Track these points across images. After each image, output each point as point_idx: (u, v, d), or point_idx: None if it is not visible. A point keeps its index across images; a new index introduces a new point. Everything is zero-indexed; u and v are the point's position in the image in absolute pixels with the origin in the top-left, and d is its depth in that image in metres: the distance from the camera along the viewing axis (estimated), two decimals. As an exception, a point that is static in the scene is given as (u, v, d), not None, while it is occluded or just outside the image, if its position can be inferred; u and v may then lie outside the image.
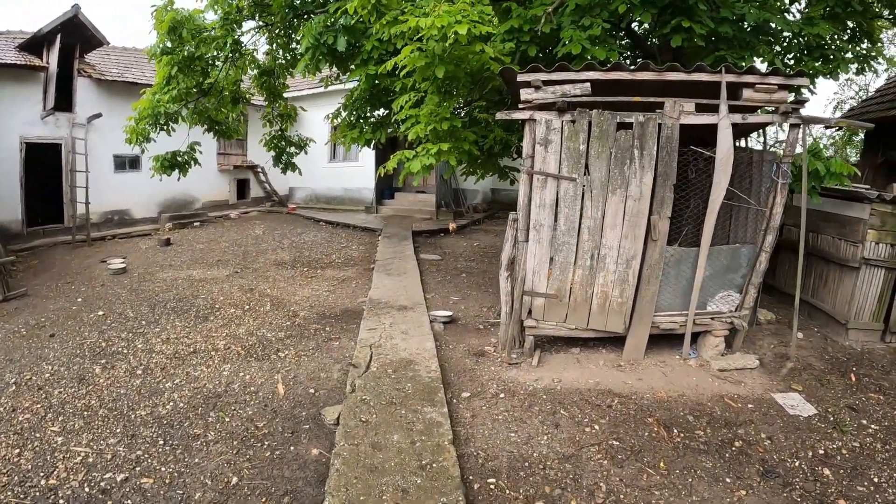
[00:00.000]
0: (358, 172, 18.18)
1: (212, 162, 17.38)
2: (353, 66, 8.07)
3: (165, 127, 8.93)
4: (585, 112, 6.02)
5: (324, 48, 7.48)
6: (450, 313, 7.96)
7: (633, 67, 5.84)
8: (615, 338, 6.73)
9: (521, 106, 6.18)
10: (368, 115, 9.45)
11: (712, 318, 6.79)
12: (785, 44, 8.12)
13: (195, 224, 16.00)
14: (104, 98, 14.37)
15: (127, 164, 15.26)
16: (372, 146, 9.33)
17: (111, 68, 14.92)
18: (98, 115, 13.95)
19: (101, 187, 14.24)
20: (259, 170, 19.16)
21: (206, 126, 10.02)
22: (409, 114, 6.93)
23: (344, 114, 9.66)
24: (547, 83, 5.98)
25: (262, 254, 12.16)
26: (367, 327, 7.36)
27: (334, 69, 9.05)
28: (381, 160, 10.21)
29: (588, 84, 5.93)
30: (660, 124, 5.99)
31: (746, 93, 5.85)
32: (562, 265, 6.42)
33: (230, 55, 9.08)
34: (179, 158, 9.48)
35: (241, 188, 19.43)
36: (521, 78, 5.99)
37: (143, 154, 9.29)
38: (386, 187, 18.87)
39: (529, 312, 6.66)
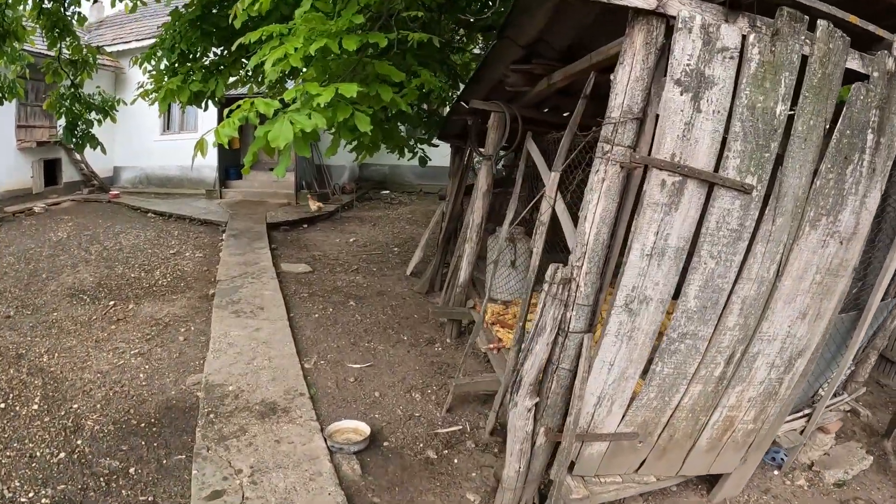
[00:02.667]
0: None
1: (8, 137, 11.83)
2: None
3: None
4: (800, 20, 2.18)
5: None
6: (363, 428, 3.91)
7: None
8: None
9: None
10: (199, 54, 6.36)
11: (829, 408, 3.91)
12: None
13: (-27, 226, 9.52)
14: None
15: None
16: (205, 104, 6.54)
17: None
18: None
19: None
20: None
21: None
22: (271, 31, 3.82)
23: (160, 53, 6.37)
24: None
25: (57, 274, 7.24)
26: (205, 483, 3.17)
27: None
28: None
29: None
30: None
31: None
32: (666, 380, 2.76)
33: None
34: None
35: (51, 171, 13.24)
36: None
37: None
38: (232, 164, 13.81)
39: (571, 466, 2.96)
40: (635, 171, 2.38)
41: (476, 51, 7.87)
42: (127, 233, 9.45)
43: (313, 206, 11.20)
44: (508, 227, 4.59)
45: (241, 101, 3.63)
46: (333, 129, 4.89)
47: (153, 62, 6.41)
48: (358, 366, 4.89)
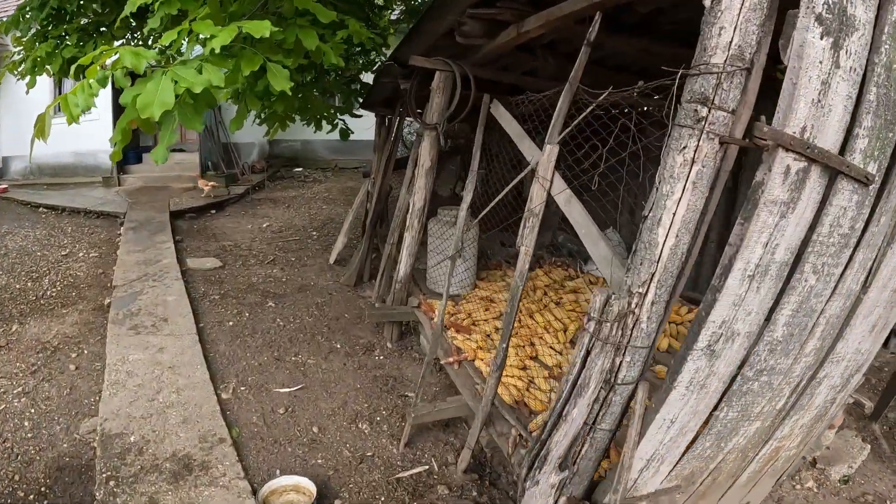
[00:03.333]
0: (91, 129, 9.58)
1: None
2: None
3: None
4: None
5: None
6: (306, 485, 2.98)
7: None
8: None
9: None
10: (75, 13, 4.81)
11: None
12: None
13: None
14: None
15: None
16: (83, 75, 3.93)
17: None
18: None
19: None
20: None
21: None
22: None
23: (29, 14, 4.84)
24: None
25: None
26: None
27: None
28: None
29: None
30: None
31: None
32: (727, 426, 2.11)
33: None
34: None
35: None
36: None
37: None
38: (132, 147, 11.47)
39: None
40: (729, 152, 1.62)
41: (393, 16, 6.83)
42: (14, 233, 7.54)
43: (205, 188, 9.61)
44: (467, 209, 3.74)
45: (95, 52, 2.43)
46: (237, 93, 3.72)
47: (20, 26, 4.92)
48: (287, 389, 3.88)
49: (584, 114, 2.49)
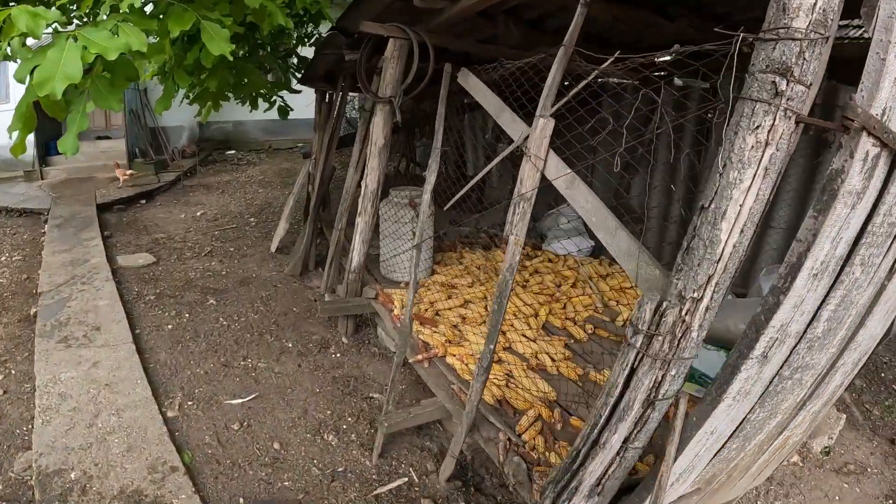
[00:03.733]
0: (6, 119, 7.58)
1: None
2: None
3: None
4: None
5: None
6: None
7: None
8: None
9: None
10: None
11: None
12: None
13: None
14: None
15: None
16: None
17: None
18: None
19: None
20: None
21: None
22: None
23: None
24: None
25: None
26: None
27: None
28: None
29: None
30: None
31: None
32: (755, 426, 1.97)
33: None
34: None
35: None
36: None
37: None
38: (54, 136, 9.61)
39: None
40: (794, 132, 1.40)
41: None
42: (-69, 242, 6.42)
43: (122, 177, 8.62)
44: (431, 193, 3.39)
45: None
46: (164, 70, 3.13)
47: None
48: (239, 400, 3.45)
49: (584, 81, 2.21)
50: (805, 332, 1.71)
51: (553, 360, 3.52)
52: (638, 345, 1.53)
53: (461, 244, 5.40)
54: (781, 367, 1.78)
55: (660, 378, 1.59)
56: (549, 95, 2.32)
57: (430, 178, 3.38)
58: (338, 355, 4.07)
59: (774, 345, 1.58)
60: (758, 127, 1.33)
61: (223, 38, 2.24)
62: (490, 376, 3.30)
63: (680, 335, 1.54)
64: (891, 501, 2.73)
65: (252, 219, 7.37)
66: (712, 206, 1.41)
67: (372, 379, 3.84)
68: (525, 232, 2.46)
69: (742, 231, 1.43)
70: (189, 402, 3.41)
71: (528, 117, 2.60)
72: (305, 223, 5.38)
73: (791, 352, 1.73)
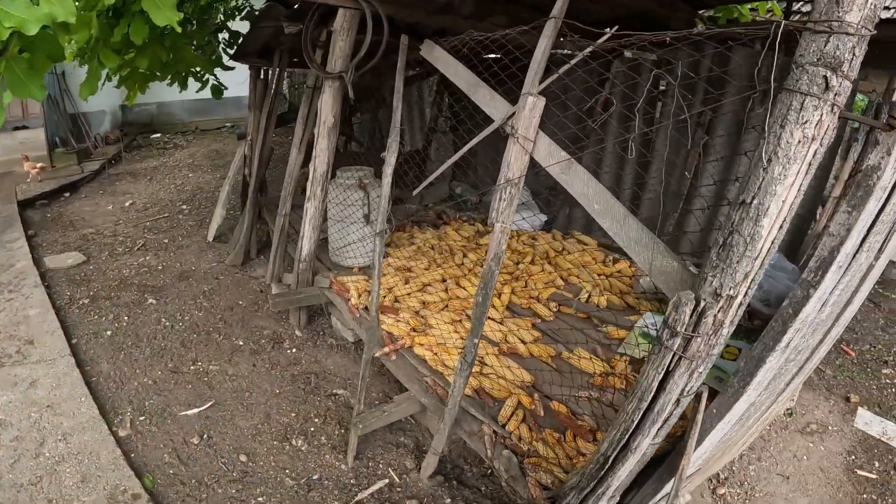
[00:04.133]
0: None
1: None
2: None
3: None
4: None
5: None
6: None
7: None
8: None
9: None
10: None
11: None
12: None
13: None
14: None
15: None
16: None
17: None
18: None
19: None
20: None
21: None
22: None
23: None
24: None
25: None
26: None
27: None
28: None
29: None
30: None
31: None
32: (755, 408, 2.01)
33: None
34: None
35: None
36: None
37: None
38: None
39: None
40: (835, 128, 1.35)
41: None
42: None
43: (31, 171, 7.61)
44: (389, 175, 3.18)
45: None
46: (83, 51, 2.66)
47: None
48: (195, 410, 3.16)
49: (580, 55, 2.09)
50: (815, 318, 1.72)
51: (524, 342, 3.47)
52: (675, 347, 1.46)
53: (410, 223, 5.21)
54: (790, 353, 1.79)
55: (689, 377, 1.54)
56: (538, 71, 2.17)
57: (391, 158, 3.15)
58: (293, 350, 3.82)
59: (797, 335, 1.56)
60: (806, 122, 1.26)
61: (169, 5, 1.89)
62: (463, 365, 3.21)
63: (713, 334, 1.48)
64: (853, 457, 2.94)
65: (185, 206, 6.76)
66: (755, 201, 1.34)
67: (333, 373, 3.64)
68: (511, 219, 2.33)
69: (781, 227, 1.37)
70: (141, 418, 3.07)
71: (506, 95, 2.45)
72: (244, 209, 4.97)
73: (801, 338, 1.74)
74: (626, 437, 1.60)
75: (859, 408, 3.39)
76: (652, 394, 1.52)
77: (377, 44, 3.21)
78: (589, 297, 3.94)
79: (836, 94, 1.24)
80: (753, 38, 3.29)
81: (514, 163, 2.24)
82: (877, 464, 2.89)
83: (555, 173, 2.10)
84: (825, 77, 1.23)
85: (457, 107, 5.79)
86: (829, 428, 3.15)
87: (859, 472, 2.83)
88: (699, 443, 1.71)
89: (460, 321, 3.66)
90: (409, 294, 3.93)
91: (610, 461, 1.64)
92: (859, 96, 3.26)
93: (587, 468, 1.72)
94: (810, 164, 1.31)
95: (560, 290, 4.09)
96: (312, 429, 3.12)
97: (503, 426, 2.74)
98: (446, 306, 3.85)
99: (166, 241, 5.63)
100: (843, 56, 1.21)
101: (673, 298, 1.47)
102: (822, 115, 1.26)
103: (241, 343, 3.83)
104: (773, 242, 1.39)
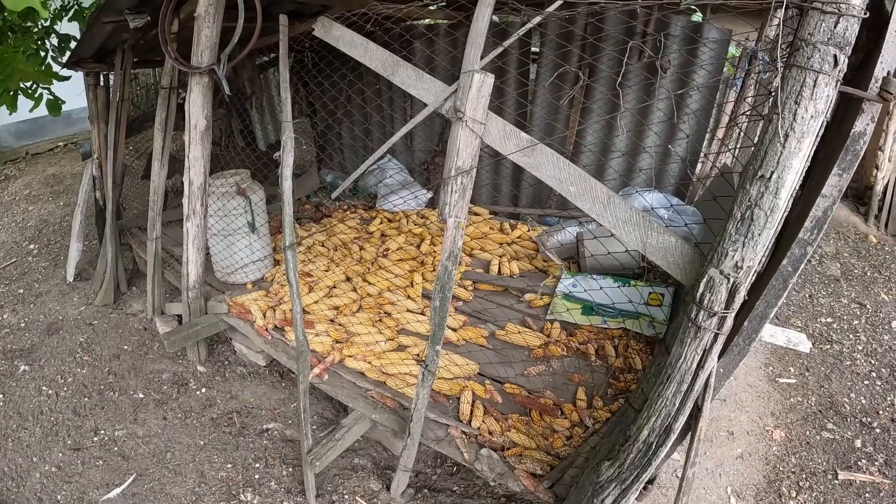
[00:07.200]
0: None
1: None
2: None
3: None
4: None
5: None
6: None
7: None
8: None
9: None
10: None
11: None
12: None
13: None
14: None
15: None
16: None
17: None
18: None
19: None
20: None
21: None
22: None
23: None
24: None
25: None
26: None
27: None
28: None
29: None
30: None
31: None
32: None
33: None
34: None
35: None
36: None
37: None
38: None
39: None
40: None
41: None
42: None
43: None
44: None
45: None
46: None
47: None
48: (117, 491, 2.60)
49: (529, 24, 1.97)
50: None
51: (454, 329, 3.39)
52: (713, 326, 1.48)
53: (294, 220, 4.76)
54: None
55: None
56: (477, 45, 2.01)
57: (288, 158, 2.77)
58: (202, 390, 3.30)
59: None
60: (818, 98, 1.32)
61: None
62: (405, 368, 3.04)
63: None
64: (770, 368, 3.36)
65: (32, 246, 5.35)
66: (774, 175, 1.38)
67: (255, 406, 3.23)
68: (466, 212, 2.19)
69: (791, 198, 1.43)
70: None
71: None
72: (102, 238, 4.08)
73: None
74: (668, 421, 1.61)
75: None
76: (692, 375, 1.54)
77: (250, 30, 2.75)
78: (500, 267, 3.97)
79: (840, 71, 1.31)
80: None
81: (463, 149, 2.08)
82: (792, 369, 3.35)
83: (516, 158, 2.00)
84: (835, 56, 1.29)
85: (317, 91, 5.34)
86: (794, 381, 3.53)
87: (780, 379, 3.27)
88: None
89: (381, 320, 3.46)
90: (316, 302, 3.61)
91: (654, 447, 1.65)
92: (732, 46, 3.58)
93: (626, 458, 1.71)
94: (817, 137, 1.37)
95: (470, 267, 4.06)
96: (257, 476, 2.74)
97: (468, 424, 2.66)
98: (360, 307, 3.61)
99: (21, 291, 4.47)
100: (851, 36, 1.27)
101: (704, 279, 1.48)
102: (830, 91, 1.32)
103: (141, 396, 3.21)
104: (783, 215, 1.45)
